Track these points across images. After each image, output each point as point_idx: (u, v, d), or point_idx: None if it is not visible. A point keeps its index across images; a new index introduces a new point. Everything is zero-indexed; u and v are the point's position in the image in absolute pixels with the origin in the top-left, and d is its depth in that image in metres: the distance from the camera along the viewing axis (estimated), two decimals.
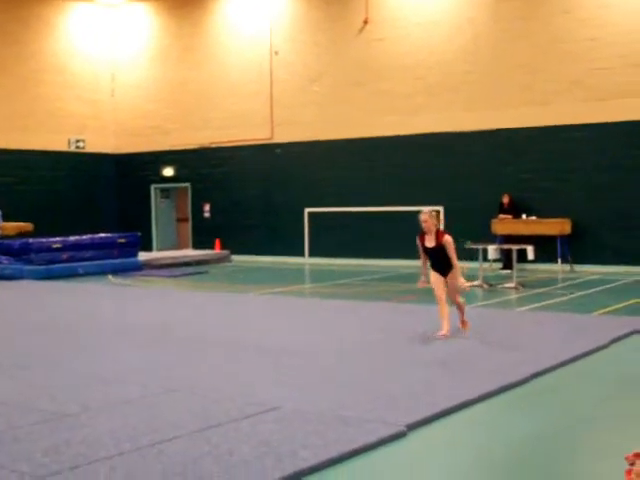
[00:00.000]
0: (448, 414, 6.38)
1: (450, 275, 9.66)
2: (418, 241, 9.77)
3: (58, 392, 7.06)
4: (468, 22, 21.08)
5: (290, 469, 4.99)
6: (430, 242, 9.63)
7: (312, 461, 5.14)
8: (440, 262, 9.67)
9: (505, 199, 20.02)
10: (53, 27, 25.93)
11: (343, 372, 7.85)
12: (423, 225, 9.58)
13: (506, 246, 17.54)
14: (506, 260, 18.75)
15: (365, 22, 22.35)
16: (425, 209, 9.87)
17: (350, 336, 9.98)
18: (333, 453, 5.30)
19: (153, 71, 26.80)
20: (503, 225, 19.84)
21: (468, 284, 9.07)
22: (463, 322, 10.06)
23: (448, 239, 9.52)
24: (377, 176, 22.36)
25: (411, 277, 18.17)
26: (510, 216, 19.93)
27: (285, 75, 23.95)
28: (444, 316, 9.68)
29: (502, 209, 20.08)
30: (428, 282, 9.74)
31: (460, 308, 10.04)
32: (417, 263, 20.69)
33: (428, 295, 14.98)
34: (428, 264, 9.82)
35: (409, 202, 21.67)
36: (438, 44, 21.48)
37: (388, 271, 19.66)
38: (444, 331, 9.60)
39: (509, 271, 18.02)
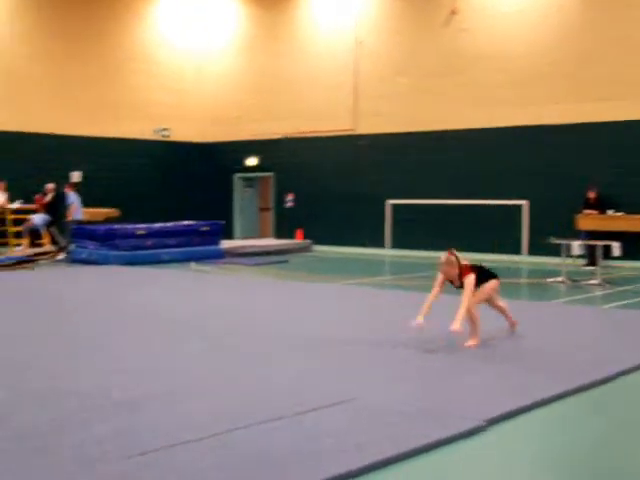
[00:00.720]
0: (528, 410, 6.27)
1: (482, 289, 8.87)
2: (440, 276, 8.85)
3: (127, 378, 7.12)
4: (557, 10, 20.69)
5: (366, 461, 4.96)
6: (456, 282, 8.86)
7: (388, 454, 5.10)
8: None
9: (591, 194, 19.62)
10: (141, 17, 26.33)
11: (420, 365, 7.78)
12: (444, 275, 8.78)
13: (591, 242, 17.19)
14: (590, 256, 18.38)
15: (452, 12, 22.11)
16: (442, 256, 8.80)
17: (428, 329, 9.89)
18: (409, 446, 5.25)
19: (238, 61, 27.01)
20: (588, 220, 19.45)
21: (461, 329, 8.25)
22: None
23: (468, 282, 8.65)
24: (460, 169, 22.14)
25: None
26: (596, 211, 19.53)
27: (369, 66, 23.88)
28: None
29: (587, 204, 19.69)
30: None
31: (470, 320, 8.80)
32: (499, 256, 20.65)
33: (504, 289, 14.82)
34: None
35: (492, 196, 21.47)
36: (525, 34, 21.15)
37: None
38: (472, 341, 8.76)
39: (593, 268, 17.67)
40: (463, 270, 8.69)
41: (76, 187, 21.82)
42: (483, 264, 9.17)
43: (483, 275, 8.98)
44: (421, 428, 5.64)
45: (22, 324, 10.18)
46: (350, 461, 4.94)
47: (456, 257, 8.70)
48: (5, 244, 22.37)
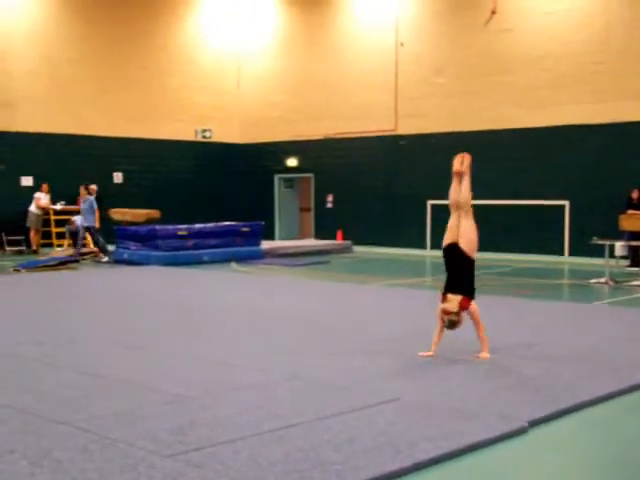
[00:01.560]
0: (572, 411, 6.23)
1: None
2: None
3: (181, 374, 7.24)
4: (601, 9, 20.49)
5: (409, 461, 4.97)
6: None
7: (431, 454, 5.11)
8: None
9: (635, 194, 19.38)
10: (183, 20, 26.52)
11: (463, 365, 7.76)
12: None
13: (634, 243, 17.00)
14: (634, 257, 18.17)
15: (493, 12, 22.00)
16: (447, 306, 8.03)
17: (468, 329, 9.86)
18: (452, 447, 5.25)
19: (278, 62, 27.09)
20: (632, 221, 19.19)
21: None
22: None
23: (474, 310, 8.06)
24: (501, 169, 22.02)
25: (528, 271, 17.86)
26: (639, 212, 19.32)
27: (410, 66, 23.83)
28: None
29: (631, 204, 19.45)
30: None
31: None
32: (541, 257, 20.51)
33: (545, 290, 14.72)
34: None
35: (533, 196, 21.32)
36: (567, 33, 20.97)
37: (508, 265, 19.33)
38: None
39: (637, 269, 17.47)
40: (461, 305, 7.98)
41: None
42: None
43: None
44: (463, 428, 5.62)
45: (91, 321, 10.32)
46: (393, 461, 4.96)
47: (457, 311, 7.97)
48: (49, 245, 22.67)
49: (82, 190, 20.73)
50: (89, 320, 10.61)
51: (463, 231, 8.38)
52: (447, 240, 8.40)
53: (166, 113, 25.97)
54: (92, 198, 20.45)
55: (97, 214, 20.51)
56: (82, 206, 20.49)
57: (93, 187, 22.23)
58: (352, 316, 11.07)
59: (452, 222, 8.53)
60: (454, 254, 8.33)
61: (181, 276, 16.75)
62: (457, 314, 7.91)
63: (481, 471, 5.08)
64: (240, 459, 4.99)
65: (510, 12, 21.88)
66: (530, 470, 5.16)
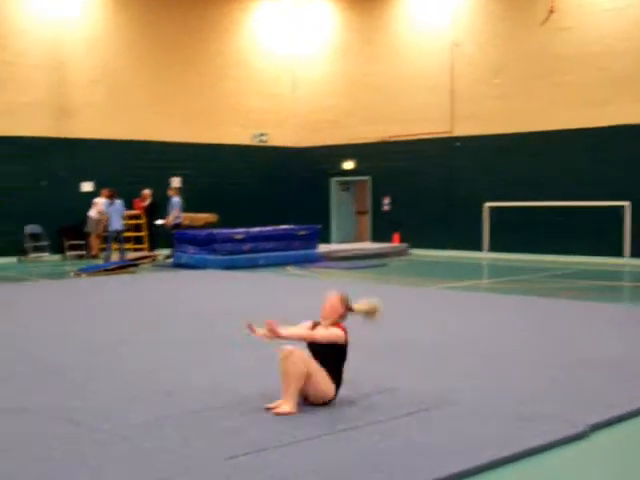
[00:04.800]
0: (634, 416, 6.13)
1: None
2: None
3: (242, 377, 7.27)
4: None
5: (470, 464, 4.95)
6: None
7: (491, 458, 5.07)
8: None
9: None
10: (238, 25, 26.68)
11: (519, 368, 7.69)
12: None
13: None
14: None
15: (551, 11, 21.72)
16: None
17: (523, 332, 9.78)
18: (512, 451, 5.21)
19: (333, 66, 27.11)
20: None
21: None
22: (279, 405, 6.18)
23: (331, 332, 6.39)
24: (558, 170, 21.76)
25: (589, 274, 17.62)
26: None
27: (466, 68, 23.68)
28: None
29: None
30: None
31: (288, 375, 6.12)
32: (600, 259, 20.25)
33: (610, 293, 14.53)
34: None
35: (592, 197, 21.02)
36: (627, 30, 20.64)
37: (567, 267, 19.09)
38: (274, 403, 6.27)
39: None
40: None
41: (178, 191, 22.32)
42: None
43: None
44: (523, 432, 5.57)
45: (146, 326, 10.46)
46: (452, 464, 4.94)
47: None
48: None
49: (106, 193, 21.00)
50: (144, 324, 10.73)
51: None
52: None
53: (222, 118, 26.15)
54: (119, 202, 20.79)
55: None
56: (109, 209, 20.70)
57: (147, 191, 22.73)
58: (401, 319, 11.02)
59: None
60: None
61: (239, 280, 16.83)
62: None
63: (542, 476, 5.03)
64: (294, 463, 5.00)
65: (568, 10, 21.60)
66: (592, 475, 5.09)
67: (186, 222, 22.07)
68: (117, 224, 20.45)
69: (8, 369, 7.88)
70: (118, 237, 20.60)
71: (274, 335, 6.12)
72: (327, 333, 6.31)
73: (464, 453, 5.14)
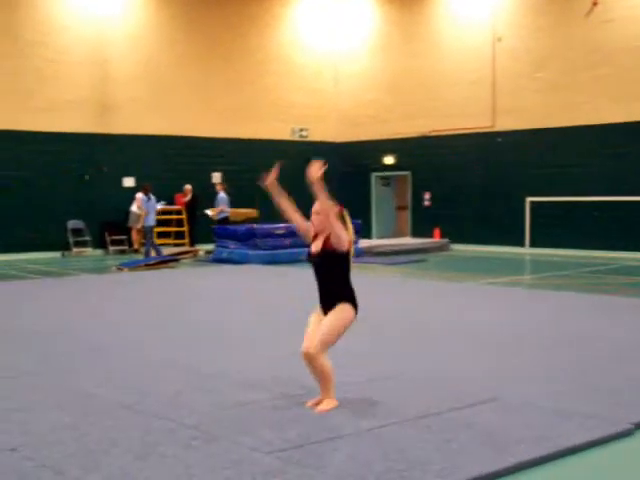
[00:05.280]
0: None
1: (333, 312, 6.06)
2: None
3: (280, 371, 7.30)
4: None
5: (509, 461, 4.92)
6: (316, 246, 6.28)
7: (531, 455, 5.04)
8: (324, 282, 6.18)
9: None
10: (279, 20, 26.72)
11: (561, 364, 7.63)
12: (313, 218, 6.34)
13: None
14: None
15: (594, 3, 21.44)
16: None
17: (567, 328, 9.70)
18: (552, 448, 5.17)
19: (374, 60, 27.05)
20: None
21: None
22: (320, 401, 6.12)
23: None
24: (602, 164, 21.51)
25: (633, 270, 17.42)
26: None
27: (508, 62, 23.49)
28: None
29: None
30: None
31: (318, 375, 6.08)
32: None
33: (637, 288, 14.35)
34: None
35: (634, 192, 20.76)
36: None
37: (610, 263, 18.90)
38: (313, 400, 6.20)
39: None
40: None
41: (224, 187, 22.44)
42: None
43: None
44: (565, 429, 5.53)
45: (191, 318, 10.54)
46: (493, 461, 4.92)
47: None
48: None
49: (145, 189, 20.71)
50: (189, 317, 10.81)
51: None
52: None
53: (263, 113, 26.21)
54: (154, 198, 20.63)
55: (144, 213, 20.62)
56: (146, 205, 20.51)
57: (188, 187, 22.90)
58: (443, 313, 10.99)
59: None
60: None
61: (281, 274, 16.88)
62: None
63: (584, 475, 4.98)
64: (339, 457, 5.02)
65: (612, 2, 21.33)
66: (634, 476, 5.03)
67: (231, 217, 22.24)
68: (153, 220, 20.45)
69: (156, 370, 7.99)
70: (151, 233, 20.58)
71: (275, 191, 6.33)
72: (339, 228, 6.05)
73: (503, 450, 5.11)
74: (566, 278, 15.92)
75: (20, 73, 21.83)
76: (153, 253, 20.00)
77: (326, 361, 6.04)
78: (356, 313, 6.11)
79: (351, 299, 6.09)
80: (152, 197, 20.52)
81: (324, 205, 6.12)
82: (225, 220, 21.80)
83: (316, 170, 6.14)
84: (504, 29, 23.53)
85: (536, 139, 22.78)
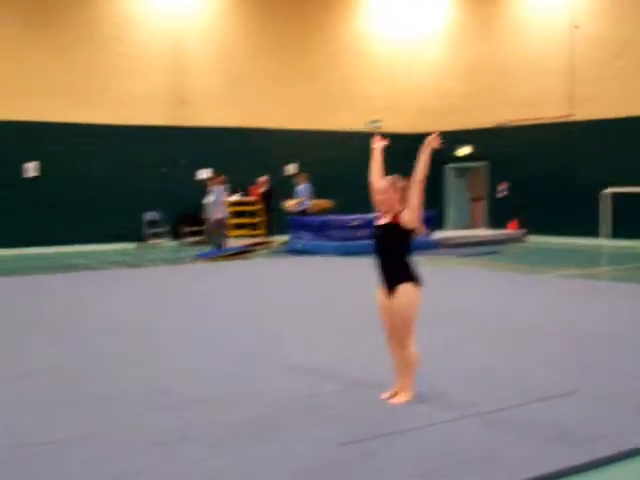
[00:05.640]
0: None
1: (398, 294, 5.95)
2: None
3: (356, 363, 7.28)
4: None
5: (587, 457, 4.83)
6: (384, 219, 6.14)
7: (610, 451, 4.94)
8: (385, 259, 6.08)
9: None
10: (352, 10, 26.66)
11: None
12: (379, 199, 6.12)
13: None
14: None
15: None
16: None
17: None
18: (633, 444, 5.05)
19: (449, 49, 26.80)
20: None
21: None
22: (395, 393, 6.11)
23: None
24: None
25: None
26: None
27: (586, 49, 23.04)
28: (395, 367, 6.21)
29: None
30: None
31: (402, 364, 6.08)
32: None
33: None
34: None
35: None
36: None
37: None
38: (389, 392, 6.18)
39: None
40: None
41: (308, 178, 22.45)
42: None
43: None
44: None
45: (264, 308, 10.62)
46: (570, 456, 4.83)
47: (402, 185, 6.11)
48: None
49: (212, 181, 20.15)
50: (261, 308, 10.88)
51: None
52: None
53: (337, 104, 26.18)
54: (221, 189, 20.05)
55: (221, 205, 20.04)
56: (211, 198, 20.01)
57: (263, 178, 23.01)
58: (520, 306, 10.84)
59: None
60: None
61: (355, 266, 16.86)
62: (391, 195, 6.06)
63: None
64: (412, 449, 4.99)
65: None
66: None
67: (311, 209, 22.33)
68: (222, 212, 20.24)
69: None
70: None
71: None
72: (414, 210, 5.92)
73: (581, 445, 5.02)
74: None
75: (97, 68, 22.20)
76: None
77: (414, 350, 6.00)
78: (420, 288, 5.99)
79: (413, 277, 5.98)
80: (217, 189, 20.13)
81: (420, 174, 6.05)
82: (304, 212, 21.88)
83: (435, 140, 6.19)
84: (582, 16, 23.07)
85: (615, 128, 22.30)
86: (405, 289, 5.91)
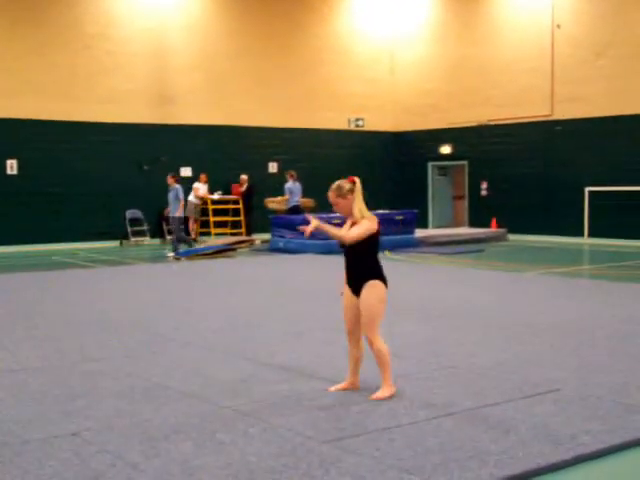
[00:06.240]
0: None
1: (364, 291, 6.10)
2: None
3: (339, 361, 7.29)
4: None
5: (569, 454, 4.87)
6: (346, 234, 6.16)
7: (592, 447, 4.98)
8: (351, 258, 6.21)
9: None
10: (335, 9, 26.68)
11: (625, 356, 7.52)
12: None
13: None
14: None
15: None
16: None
17: (629, 319, 9.55)
18: (615, 441, 5.10)
19: (431, 49, 26.86)
20: None
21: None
22: (344, 387, 6.37)
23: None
24: None
25: None
26: None
27: (567, 49, 23.15)
28: (349, 361, 6.40)
29: None
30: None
31: (377, 361, 6.18)
32: None
33: None
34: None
35: None
36: None
37: None
38: (340, 384, 6.40)
39: None
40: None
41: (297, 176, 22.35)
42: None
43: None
44: (629, 422, 5.45)
45: (248, 308, 10.62)
46: (552, 453, 4.88)
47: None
48: (207, 233, 23.35)
49: (169, 179, 19.24)
50: (245, 306, 10.87)
51: None
52: None
53: (320, 103, 26.21)
54: (178, 187, 19.21)
55: (181, 204, 19.16)
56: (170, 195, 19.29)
57: (244, 177, 22.99)
58: (498, 303, 10.88)
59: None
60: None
61: (337, 264, 16.87)
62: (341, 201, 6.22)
63: None
64: (396, 447, 5.01)
65: None
66: None
67: (283, 207, 22.23)
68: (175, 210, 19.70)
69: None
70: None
71: (318, 228, 5.97)
72: (361, 229, 6.01)
73: (563, 442, 5.06)
74: (626, 269, 15.68)
75: (80, 65, 22.14)
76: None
77: (382, 345, 6.10)
78: (386, 288, 6.12)
79: (379, 275, 6.11)
80: (176, 187, 19.22)
81: (340, 233, 6.12)
82: (296, 209, 21.69)
83: (308, 230, 6.08)
84: (564, 15, 23.19)
85: (596, 128, 22.44)
86: (371, 285, 6.05)
